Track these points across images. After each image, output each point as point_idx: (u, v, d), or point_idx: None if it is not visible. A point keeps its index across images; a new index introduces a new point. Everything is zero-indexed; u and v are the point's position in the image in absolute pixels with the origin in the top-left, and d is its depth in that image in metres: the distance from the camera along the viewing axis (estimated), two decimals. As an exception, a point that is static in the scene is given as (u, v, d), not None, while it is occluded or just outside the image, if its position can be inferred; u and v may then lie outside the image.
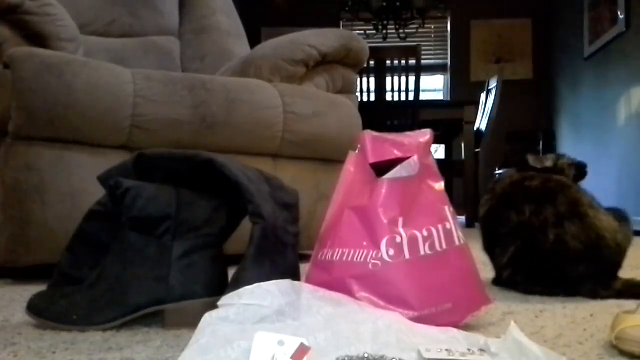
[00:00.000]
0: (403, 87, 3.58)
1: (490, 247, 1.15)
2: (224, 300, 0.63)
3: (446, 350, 0.58)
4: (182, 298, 0.78)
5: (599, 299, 1.00)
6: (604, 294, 1.01)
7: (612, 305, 0.95)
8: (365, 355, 0.55)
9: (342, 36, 1.81)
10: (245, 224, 0.83)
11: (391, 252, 0.74)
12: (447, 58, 6.28)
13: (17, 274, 1.33)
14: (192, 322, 0.64)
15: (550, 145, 5.76)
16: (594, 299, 1.00)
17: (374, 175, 0.80)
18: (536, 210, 1.03)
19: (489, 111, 4.05)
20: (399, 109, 3.63)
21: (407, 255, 0.75)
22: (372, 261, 0.75)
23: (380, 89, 3.59)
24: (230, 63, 1.99)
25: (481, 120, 4.15)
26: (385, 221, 0.76)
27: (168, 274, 0.78)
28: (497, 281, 1.15)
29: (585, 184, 1.13)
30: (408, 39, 5.18)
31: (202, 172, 0.84)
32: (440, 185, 0.84)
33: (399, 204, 0.77)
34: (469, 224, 3.68)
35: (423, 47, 5.10)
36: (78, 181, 1.28)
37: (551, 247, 1.01)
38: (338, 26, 6.05)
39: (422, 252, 0.76)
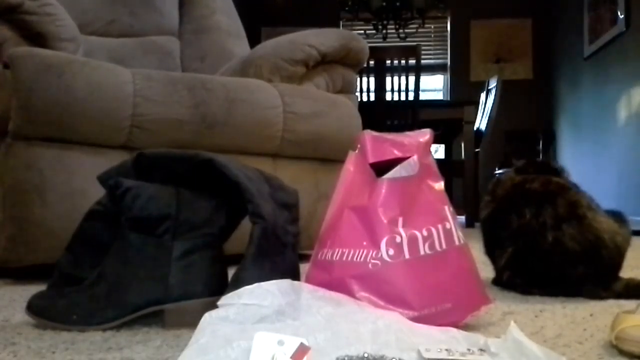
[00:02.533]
0: (403, 87, 3.58)
1: (491, 251, 1.15)
2: (224, 300, 0.63)
3: (446, 350, 0.58)
4: (182, 298, 0.78)
5: (600, 300, 1.00)
6: (605, 295, 1.01)
7: (612, 305, 0.95)
8: (365, 355, 0.55)
9: (342, 36, 1.81)
10: (245, 224, 0.83)
11: (391, 252, 0.75)
12: (447, 58, 6.28)
13: (17, 274, 1.33)
14: (192, 322, 0.64)
15: (550, 145, 5.76)
16: (595, 300, 1.00)
17: (374, 175, 0.80)
18: (536, 212, 1.03)
19: (489, 111, 4.06)
20: (399, 109, 3.63)
21: (407, 255, 0.75)
22: (372, 261, 0.75)
23: (380, 89, 3.59)
24: (230, 63, 1.99)
25: (481, 120, 4.15)
26: (385, 221, 0.76)
27: (168, 274, 0.78)
28: (497, 282, 1.15)
29: (586, 184, 1.13)
30: (408, 39, 5.18)
31: (202, 172, 0.84)
32: (440, 185, 0.84)
33: (399, 204, 0.77)
34: (469, 224, 3.68)
35: (423, 47, 5.10)
36: (78, 181, 1.28)
37: (550, 249, 1.01)
38: (338, 26, 6.05)
39: (422, 252, 0.76)
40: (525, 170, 1.13)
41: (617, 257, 1.03)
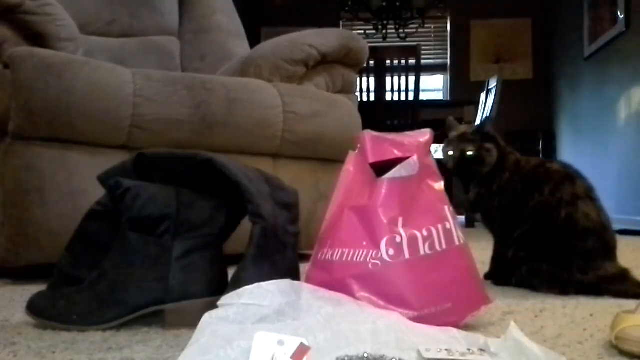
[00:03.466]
0: (403, 87, 3.58)
1: (504, 234, 1.16)
2: (224, 300, 0.63)
3: (446, 350, 0.58)
4: (182, 298, 0.78)
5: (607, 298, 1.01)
6: (612, 269, 1.05)
7: (612, 305, 0.95)
8: (365, 355, 0.55)
9: (342, 36, 1.81)
10: (245, 224, 0.83)
11: (391, 252, 0.75)
12: (447, 58, 6.27)
13: (17, 274, 1.33)
14: (192, 322, 0.64)
15: (550, 145, 5.76)
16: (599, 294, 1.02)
17: (374, 175, 0.80)
18: (554, 189, 1.08)
19: (489, 111, 4.05)
20: (399, 109, 3.63)
21: (407, 255, 0.75)
22: (372, 261, 0.75)
23: (380, 89, 3.59)
24: (231, 63, 1.98)
25: (481, 120, 4.15)
26: (385, 221, 0.76)
27: (168, 274, 0.78)
28: (491, 275, 1.17)
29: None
30: (408, 39, 5.18)
31: (202, 172, 0.84)
32: (440, 185, 0.84)
33: (399, 204, 0.77)
34: (469, 224, 3.68)
35: (423, 47, 5.09)
36: (78, 181, 1.28)
37: (562, 224, 1.05)
38: (338, 26, 6.05)
39: (422, 252, 0.76)
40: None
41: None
